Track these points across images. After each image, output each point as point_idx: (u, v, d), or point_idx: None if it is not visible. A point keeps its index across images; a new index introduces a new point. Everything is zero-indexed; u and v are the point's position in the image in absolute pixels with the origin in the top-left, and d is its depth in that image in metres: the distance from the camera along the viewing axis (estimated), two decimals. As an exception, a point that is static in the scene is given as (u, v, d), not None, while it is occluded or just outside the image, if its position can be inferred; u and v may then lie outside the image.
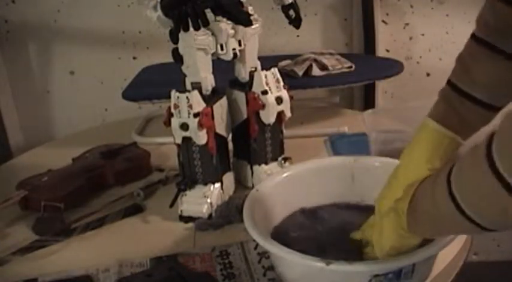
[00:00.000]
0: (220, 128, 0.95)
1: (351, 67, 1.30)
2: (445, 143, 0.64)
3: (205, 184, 0.94)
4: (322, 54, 1.34)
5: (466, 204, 0.50)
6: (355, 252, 0.71)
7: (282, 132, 1.01)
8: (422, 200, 0.58)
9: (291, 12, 1.00)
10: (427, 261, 0.66)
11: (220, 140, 0.94)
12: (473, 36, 0.64)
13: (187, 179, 0.94)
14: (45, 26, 1.49)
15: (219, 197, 0.94)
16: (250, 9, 0.93)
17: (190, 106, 0.88)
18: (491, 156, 0.45)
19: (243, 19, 0.88)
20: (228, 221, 0.91)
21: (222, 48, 0.92)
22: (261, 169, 1.00)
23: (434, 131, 0.64)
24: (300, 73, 1.25)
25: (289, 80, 1.12)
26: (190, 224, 0.92)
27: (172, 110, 0.89)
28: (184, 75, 0.91)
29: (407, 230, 0.61)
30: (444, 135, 0.64)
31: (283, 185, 0.83)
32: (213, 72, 0.93)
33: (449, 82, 0.65)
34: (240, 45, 0.94)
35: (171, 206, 0.94)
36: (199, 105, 0.88)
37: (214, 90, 0.93)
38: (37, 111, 1.58)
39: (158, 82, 1.25)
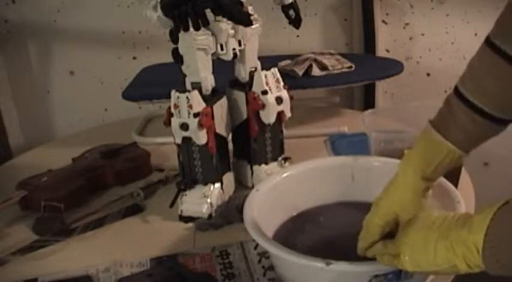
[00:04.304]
0: (220, 128, 0.95)
1: (351, 67, 1.30)
2: (442, 154, 0.62)
3: (205, 184, 0.94)
4: (322, 54, 1.34)
5: None
6: (356, 252, 0.70)
7: (282, 132, 1.01)
8: (504, 231, 0.49)
9: (291, 12, 1.00)
10: (427, 261, 0.66)
11: (220, 140, 0.94)
12: (487, 40, 0.60)
13: (187, 179, 0.94)
14: (45, 26, 1.49)
15: (219, 197, 0.94)
16: (250, 9, 0.93)
17: (190, 106, 0.88)
18: None
19: (243, 19, 0.88)
20: (228, 221, 0.91)
21: (222, 48, 0.92)
22: (261, 169, 1.00)
23: (433, 140, 0.63)
24: (300, 73, 1.25)
25: (289, 80, 1.12)
26: (190, 224, 0.92)
27: (172, 110, 0.89)
28: (184, 75, 0.91)
29: (484, 269, 0.51)
30: (442, 146, 0.62)
31: (283, 185, 0.83)
32: (213, 72, 0.93)
33: (456, 89, 0.62)
34: (240, 45, 0.94)
35: (171, 206, 0.94)
36: (199, 105, 0.88)
37: (214, 90, 0.93)
38: (37, 111, 1.58)
39: (158, 82, 1.25)
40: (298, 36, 1.49)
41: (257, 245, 0.82)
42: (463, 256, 0.52)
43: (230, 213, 0.91)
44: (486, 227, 0.49)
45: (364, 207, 0.82)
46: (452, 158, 0.63)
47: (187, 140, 0.90)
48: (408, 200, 0.64)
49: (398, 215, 0.64)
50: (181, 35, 0.87)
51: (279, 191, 0.82)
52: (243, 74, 0.97)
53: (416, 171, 0.64)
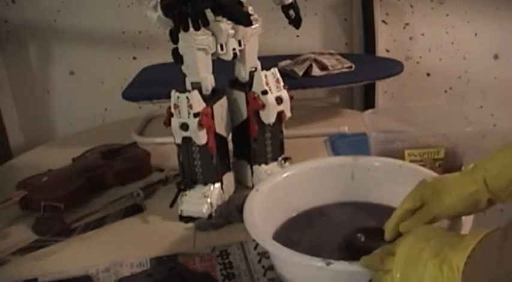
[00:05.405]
0: (220, 128, 0.95)
1: (351, 67, 1.30)
2: None
3: (205, 184, 0.94)
4: (322, 54, 1.34)
5: None
6: (355, 252, 0.71)
7: (282, 132, 1.01)
8: (486, 255, 0.49)
9: (291, 12, 1.00)
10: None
11: (220, 140, 0.94)
12: None
13: (187, 179, 0.94)
14: (45, 26, 1.49)
15: (219, 197, 0.94)
16: (250, 9, 0.93)
17: (190, 106, 0.88)
18: None
19: (243, 19, 0.88)
20: (228, 221, 0.91)
21: (222, 48, 0.92)
22: (261, 169, 1.00)
23: None
24: (300, 73, 1.25)
25: (289, 80, 1.12)
26: (190, 224, 0.92)
27: (172, 110, 0.89)
28: (184, 75, 0.91)
29: None
30: None
31: (283, 185, 0.83)
32: (213, 72, 0.93)
33: None
34: (240, 45, 0.94)
35: (171, 206, 0.94)
36: (199, 105, 0.88)
37: (214, 90, 0.93)
38: (37, 111, 1.58)
39: (158, 82, 1.25)
40: (298, 36, 1.49)
41: (257, 245, 0.82)
42: (447, 277, 0.51)
43: (230, 213, 0.91)
44: (471, 249, 0.49)
45: (364, 207, 0.82)
46: None
47: (187, 140, 0.90)
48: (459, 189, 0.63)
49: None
50: (181, 35, 0.87)
51: (279, 191, 0.82)
52: (243, 74, 0.97)
53: (485, 176, 0.61)
